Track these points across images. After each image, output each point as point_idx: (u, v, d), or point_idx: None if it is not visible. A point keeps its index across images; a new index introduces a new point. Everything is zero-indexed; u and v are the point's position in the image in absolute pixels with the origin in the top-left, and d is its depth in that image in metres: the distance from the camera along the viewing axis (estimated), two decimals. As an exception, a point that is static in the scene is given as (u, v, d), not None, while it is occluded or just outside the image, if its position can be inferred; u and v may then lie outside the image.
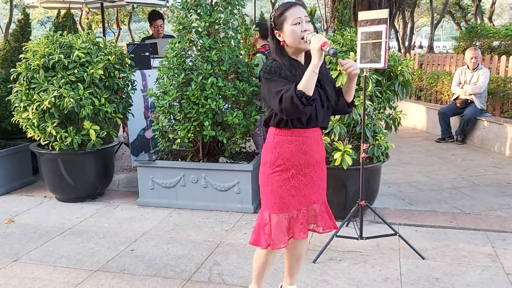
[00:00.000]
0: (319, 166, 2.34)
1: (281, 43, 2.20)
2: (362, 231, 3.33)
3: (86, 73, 4.15)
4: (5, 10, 25.90)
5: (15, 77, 4.33)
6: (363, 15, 3.20)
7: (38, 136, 4.28)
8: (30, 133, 4.33)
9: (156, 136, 4.27)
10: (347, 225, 3.62)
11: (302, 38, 2.12)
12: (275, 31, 2.21)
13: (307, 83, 2.04)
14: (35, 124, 4.20)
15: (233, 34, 4.09)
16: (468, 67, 6.82)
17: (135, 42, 6.63)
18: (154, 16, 6.32)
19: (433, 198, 4.45)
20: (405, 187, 4.80)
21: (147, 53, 5.33)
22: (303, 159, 2.26)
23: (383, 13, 3.10)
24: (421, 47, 37.04)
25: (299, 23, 2.13)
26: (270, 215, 2.27)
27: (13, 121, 4.44)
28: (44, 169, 4.45)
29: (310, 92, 2.04)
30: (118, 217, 4.07)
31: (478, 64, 6.76)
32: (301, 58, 2.25)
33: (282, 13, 2.16)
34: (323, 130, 2.41)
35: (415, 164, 5.72)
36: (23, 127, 4.35)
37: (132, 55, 4.73)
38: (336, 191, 3.77)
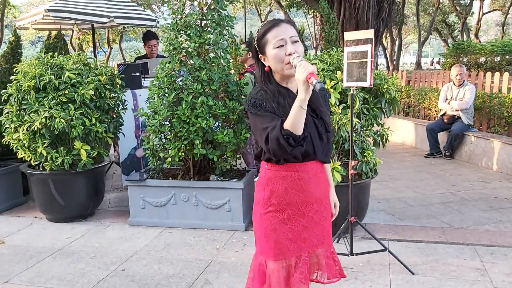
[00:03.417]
0: (320, 204, 2.02)
1: (266, 68, 1.92)
2: (353, 247, 3.36)
3: (77, 94, 4.18)
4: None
5: (5, 98, 4.35)
6: (349, 36, 3.28)
7: (29, 156, 4.28)
8: (21, 154, 4.33)
9: (147, 155, 4.30)
10: (337, 242, 3.65)
11: (288, 63, 1.83)
12: (259, 55, 1.94)
13: (295, 121, 1.75)
14: (26, 145, 4.21)
15: (222, 54, 4.16)
16: (454, 84, 6.95)
17: (126, 62, 6.68)
18: (149, 36, 6.41)
19: (422, 213, 4.50)
20: (394, 203, 4.85)
21: (137, 73, 5.39)
22: (300, 197, 1.95)
23: (368, 34, 3.19)
24: (438, 62, 35.45)
25: (283, 46, 1.84)
26: (266, 261, 1.97)
27: (4, 142, 4.45)
28: (34, 190, 4.44)
29: (298, 131, 1.76)
30: (109, 237, 4.06)
31: (464, 81, 6.89)
32: (292, 85, 1.93)
33: (264, 34, 1.89)
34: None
35: (404, 180, 5.78)
36: (14, 148, 4.36)
37: (123, 75, 4.78)
38: (326, 208, 3.81)
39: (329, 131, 1.96)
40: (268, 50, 1.87)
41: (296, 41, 1.86)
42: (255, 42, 1.94)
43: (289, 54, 1.83)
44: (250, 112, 1.87)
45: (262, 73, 1.94)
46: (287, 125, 1.76)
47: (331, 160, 3.62)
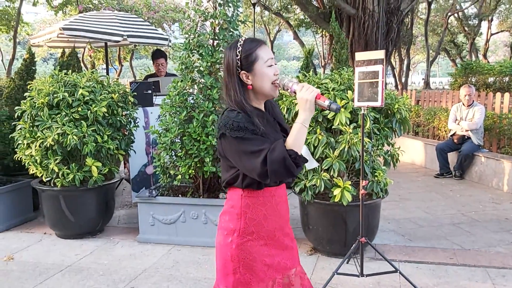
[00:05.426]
0: (288, 226, 2.03)
1: (248, 86, 1.85)
2: (363, 268, 3.33)
3: (89, 111, 4.24)
4: (8, 46, 26.43)
5: (19, 114, 4.41)
6: (360, 56, 3.31)
7: (41, 172, 4.32)
8: (32, 170, 4.37)
9: (157, 172, 4.31)
10: (347, 262, 3.62)
11: (274, 83, 1.84)
12: (241, 72, 1.83)
13: (297, 140, 1.74)
14: (38, 161, 4.25)
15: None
16: (463, 104, 6.94)
17: (137, 80, 6.77)
18: (157, 55, 6.50)
19: (433, 234, 4.46)
20: (404, 223, 4.81)
21: (149, 91, 5.44)
22: (278, 222, 1.94)
23: (380, 54, 3.22)
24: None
25: (272, 65, 1.85)
26: None
27: (16, 158, 4.50)
28: (45, 206, 4.47)
29: (300, 150, 1.75)
30: (118, 254, 4.06)
31: (473, 101, 6.88)
32: (262, 106, 1.93)
33: (252, 51, 1.83)
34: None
35: (414, 200, 5.75)
36: (26, 164, 4.40)
37: (135, 93, 4.84)
38: (337, 228, 3.79)
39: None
40: (259, 68, 1.82)
41: (276, 64, 1.88)
42: (238, 57, 1.83)
43: (277, 74, 1.85)
44: (234, 136, 1.76)
45: (244, 92, 1.84)
46: (289, 144, 1.73)
47: (340, 180, 3.62)
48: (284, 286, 1.96)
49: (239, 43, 1.86)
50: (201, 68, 4.07)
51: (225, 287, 1.91)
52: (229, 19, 4.08)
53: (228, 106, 1.86)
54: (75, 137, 4.07)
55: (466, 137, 6.82)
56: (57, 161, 4.21)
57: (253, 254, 1.88)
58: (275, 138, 1.81)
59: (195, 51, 4.10)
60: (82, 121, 4.21)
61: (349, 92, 3.70)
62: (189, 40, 4.11)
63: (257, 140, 1.75)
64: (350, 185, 3.61)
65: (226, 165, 1.91)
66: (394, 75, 23.59)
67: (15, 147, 4.47)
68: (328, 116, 3.68)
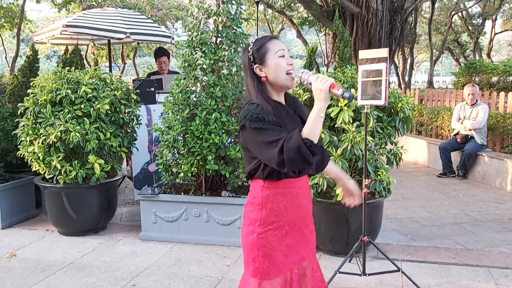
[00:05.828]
0: (309, 217, 2.07)
1: (262, 79, 1.92)
2: (365, 267, 3.32)
3: (92, 108, 4.23)
4: (11, 44, 26.47)
5: (22, 111, 4.41)
6: (363, 54, 3.30)
7: (43, 169, 4.32)
8: (35, 167, 4.37)
9: (160, 170, 4.31)
10: (349, 261, 3.61)
11: (288, 74, 1.89)
12: (255, 66, 1.92)
13: (313, 129, 1.78)
14: (41, 158, 4.25)
15: (236, 71, 4.19)
16: (467, 103, 6.92)
17: (140, 78, 6.76)
18: (159, 53, 6.49)
19: (436, 233, 4.45)
20: (407, 222, 4.80)
21: (152, 89, 5.44)
22: (298, 213, 1.98)
23: (383, 52, 3.20)
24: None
25: (284, 56, 1.91)
26: (260, 283, 1.93)
27: (19, 155, 4.50)
28: (47, 203, 4.47)
29: (316, 139, 1.79)
30: (120, 251, 4.06)
31: (477, 100, 6.86)
32: (282, 99, 1.99)
33: (263, 44, 1.91)
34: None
35: (417, 199, 5.73)
36: (28, 161, 4.40)
37: (138, 91, 4.83)
38: (339, 227, 3.78)
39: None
40: (270, 59, 1.90)
41: (291, 57, 1.94)
42: (250, 52, 1.93)
43: (291, 64, 1.91)
44: (254, 127, 1.83)
45: (258, 85, 1.92)
46: (305, 133, 1.78)
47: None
48: (300, 277, 2.01)
49: (251, 42, 1.97)
50: (204, 66, 4.06)
51: (247, 276, 1.99)
52: (232, 16, 4.07)
53: (249, 100, 1.93)
54: (77, 134, 4.07)
55: (469, 136, 6.80)
56: (60, 158, 4.21)
57: (272, 243, 1.93)
58: (294, 129, 1.84)
59: (198, 49, 4.10)
60: (85, 118, 4.21)
61: (352, 90, 3.68)
62: (192, 37, 4.10)
63: (275, 131, 1.82)
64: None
65: (248, 156, 1.98)
66: (397, 74, 23.54)
67: (18, 144, 4.47)
68: (331, 115, 3.67)
